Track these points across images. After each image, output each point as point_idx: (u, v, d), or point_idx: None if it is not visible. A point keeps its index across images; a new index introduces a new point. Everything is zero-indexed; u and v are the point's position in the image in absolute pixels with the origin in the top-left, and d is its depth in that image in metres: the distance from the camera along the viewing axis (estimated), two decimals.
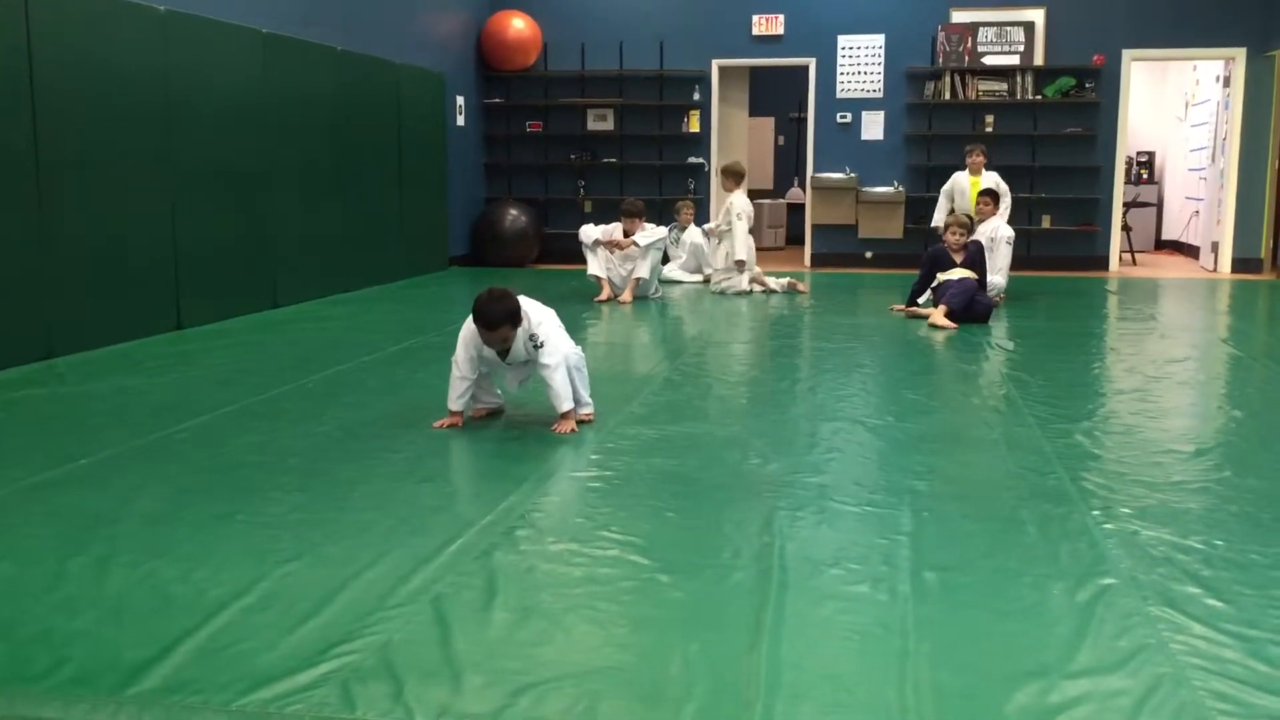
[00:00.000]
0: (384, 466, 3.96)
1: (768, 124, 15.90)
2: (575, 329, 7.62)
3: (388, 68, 10.15)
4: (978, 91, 11.91)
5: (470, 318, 4.34)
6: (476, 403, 4.67)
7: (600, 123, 12.73)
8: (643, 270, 9.04)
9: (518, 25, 12.35)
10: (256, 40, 8.04)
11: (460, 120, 12.16)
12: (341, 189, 9.34)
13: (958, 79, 11.92)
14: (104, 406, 5.02)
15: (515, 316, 4.28)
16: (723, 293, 9.61)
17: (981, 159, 10.07)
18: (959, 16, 11.89)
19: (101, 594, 2.78)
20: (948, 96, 11.95)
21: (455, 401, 4.49)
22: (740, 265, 9.59)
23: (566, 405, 4.41)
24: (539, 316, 4.42)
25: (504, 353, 4.40)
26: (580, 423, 4.56)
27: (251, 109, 7.99)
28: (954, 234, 8.02)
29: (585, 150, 12.78)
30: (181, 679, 2.31)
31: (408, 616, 2.63)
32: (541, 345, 4.36)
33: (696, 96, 12.48)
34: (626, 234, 9.11)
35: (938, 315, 7.60)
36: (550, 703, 2.21)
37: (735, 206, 9.54)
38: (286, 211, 8.47)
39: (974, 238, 8.31)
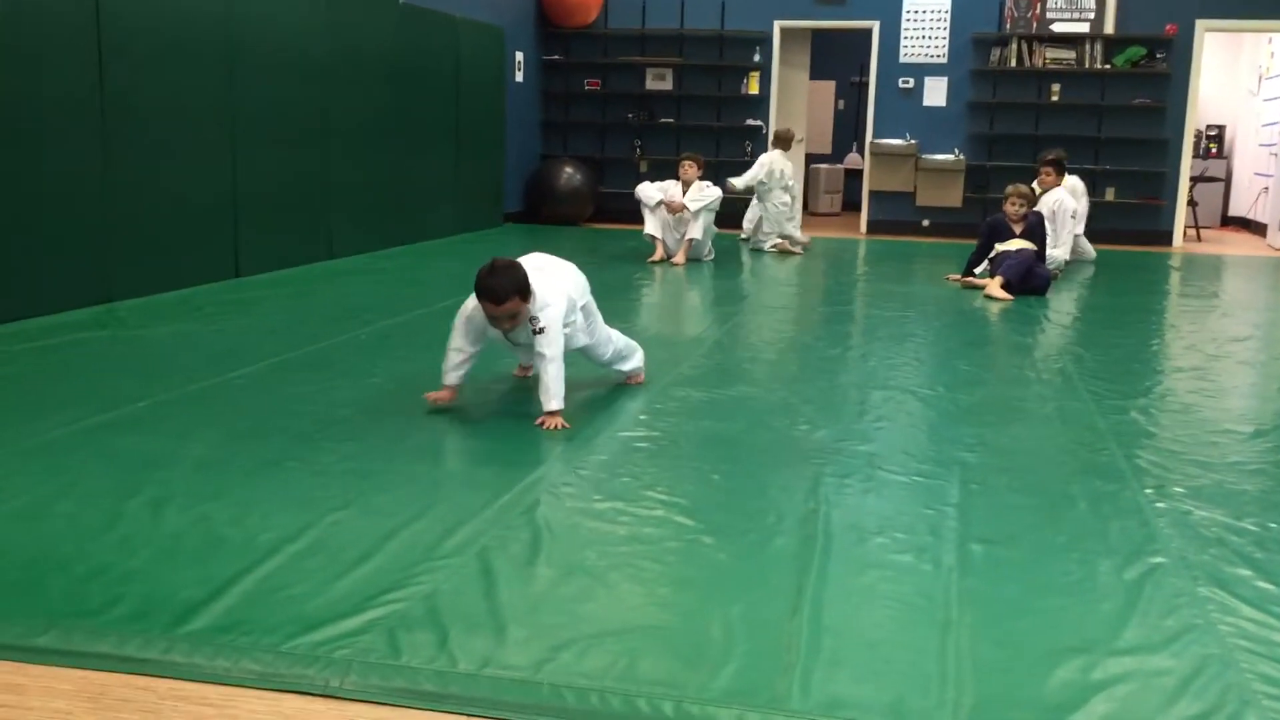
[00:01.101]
0: (433, 420, 4.00)
1: (828, 88, 15.72)
2: (627, 290, 7.63)
3: (448, 22, 10.14)
4: (1045, 59, 11.68)
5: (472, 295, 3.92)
6: (522, 363, 4.54)
7: (659, 82, 12.65)
8: (695, 231, 8.99)
9: None
10: None
11: (519, 76, 12.14)
12: (399, 142, 9.38)
13: (1025, 46, 11.69)
14: (162, 351, 5.11)
15: (524, 289, 3.80)
16: (758, 249, 10.11)
17: (1053, 178, 9.01)
18: None
19: (156, 535, 2.84)
20: (1014, 64, 11.73)
21: (450, 375, 4.08)
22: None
23: (555, 404, 3.90)
24: (547, 298, 3.93)
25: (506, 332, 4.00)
26: (629, 382, 4.56)
27: (312, 59, 8.03)
28: (1013, 204, 7.90)
29: (643, 110, 12.72)
30: (232, 620, 2.36)
31: (453, 568, 2.66)
32: (541, 331, 3.90)
33: (757, 58, 12.35)
34: (684, 182, 9.05)
35: (994, 286, 7.51)
36: (591, 659, 2.23)
37: (762, 158, 10.11)
38: (344, 163, 8.52)
39: (1035, 209, 8.18)
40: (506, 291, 3.77)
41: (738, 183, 10.02)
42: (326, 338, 5.44)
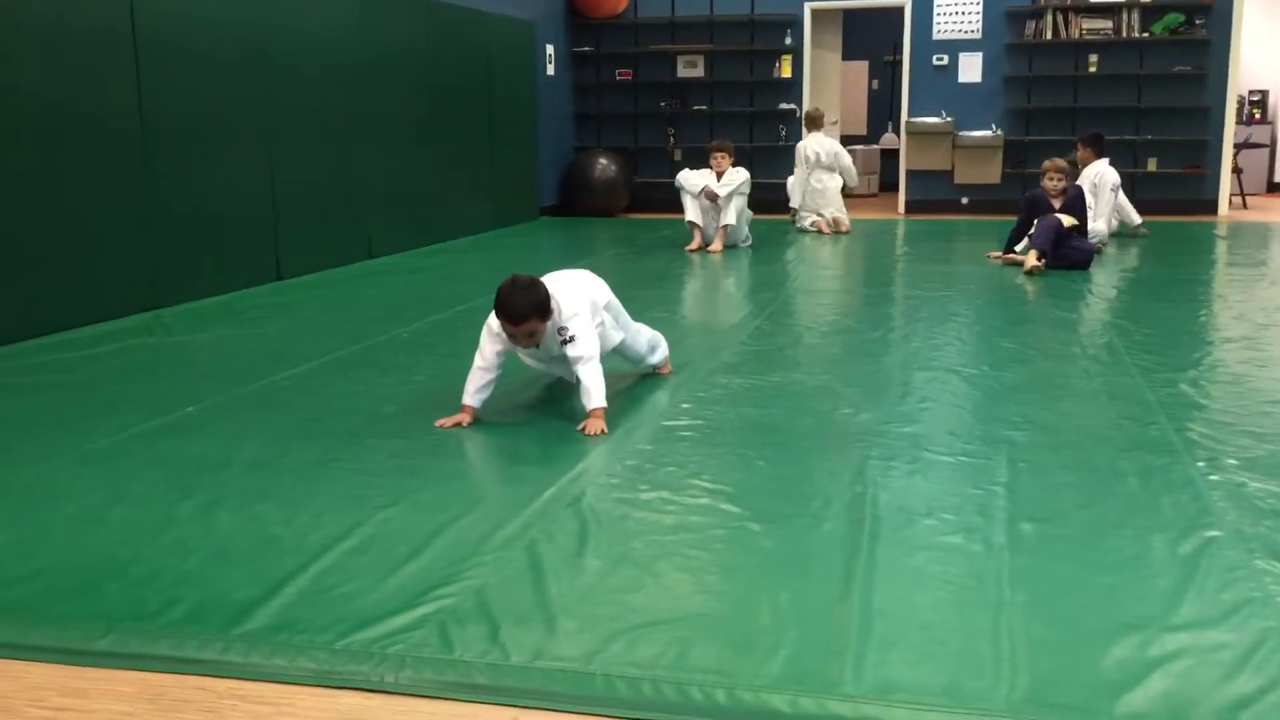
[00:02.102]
0: (478, 414, 4.01)
1: (861, 68, 15.61)
2: (664, 279, 7.62)
3: (479, 18, 10.17)
4: (1081, 30, 11.53)
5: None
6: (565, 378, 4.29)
7: (690, 69, 12.61)
8: (729, 217, 8.95)
9: None
10: None
11: (550, 70, 12.15)
12: (433, 140, 9.42)
13: (1060, 17, 11.54)
14: (208, 355, 5.17)
15: (544, 308, 3.76)
16: (802, 231, 10.28)
17: (1090, 153, 8.93)
18: None
19: (209, 537, 2.88)
20: (1049, 36, 11.58)
21: (470, 395, 3.94)
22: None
23: (596, 403, 3.83)
24: (573, 308, 3.91)
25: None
26: (657, 373, 4.54)
27: (345, 61, 8.08)
28: (1052, 179, 7.80)
29: (675, 97, 12.69)
30: (286, 619, 2.39)
31: (502, 562, 2.68)
32: (572, 339, 3.86)
33: (788, 41, 12.29)
34: (717, 174, 9.03)
35: (1031, 260, 7.43)
36: (642, 648, 2.24)
37: (797, 153, 10.25)
38: (380, 163, 8.58)
39: (1076, 183, 8.08)
40: (525, 311, 3.72)
41: (793, 203, 10.40)
42: (369, 337, 5.48)
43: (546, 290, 3.79)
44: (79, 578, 2.63)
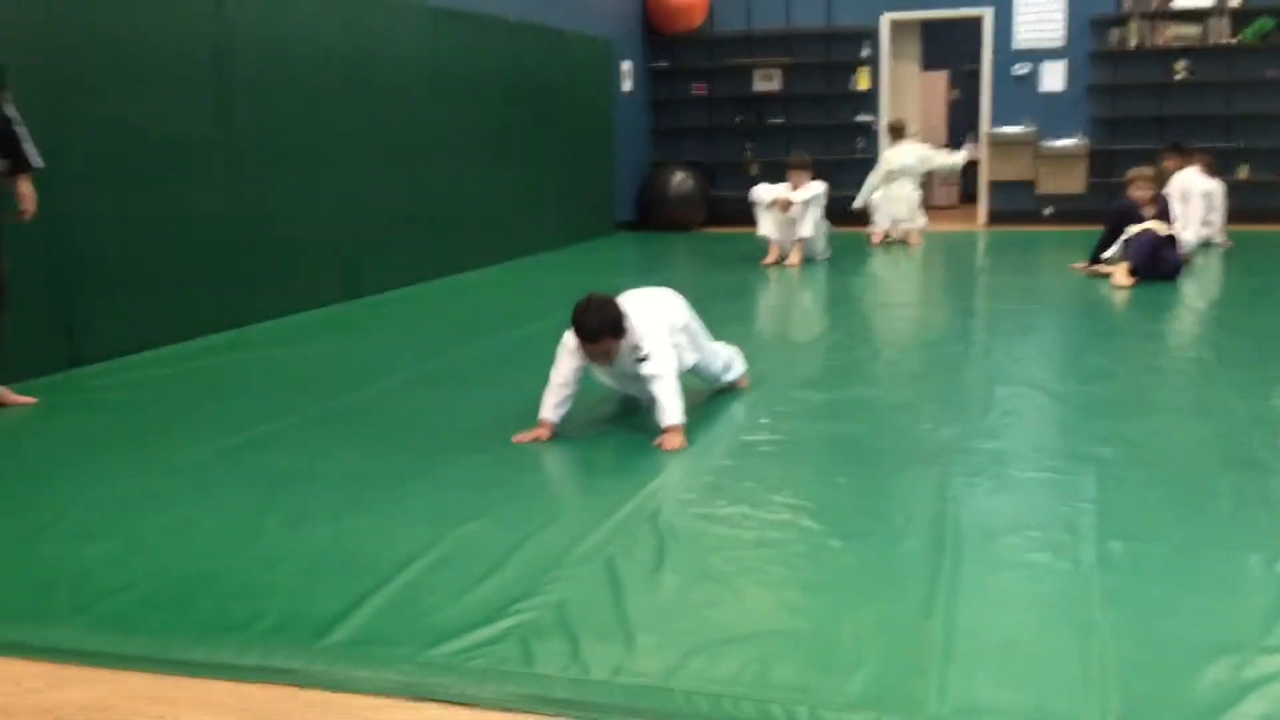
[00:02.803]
0: (556, 429, 4.03)
1: (941, 78, 15.42)
2: (741, 293, 7.60)
3: (556, 36, 10.26)
4: (1167, 37, 11.28)
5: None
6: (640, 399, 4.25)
7: (766, 83, 12.58)
8: (806, 229, 8.87)
9: None
10: (430, 15, 8.24)
11: (627, 86, 12.21)
12: (511, 157, 9.52)
13: (1146, 24, 11.31)
14: (293, 372, 5.27)
15: (618, 327, 3.81)
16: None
17: (1175, 162, 8.61)
18: None
19: (296, 549, 2.93)
20: (1135, 43, 11.35)
21: (548, 410, 3.96)
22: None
23: (672, 419, 3.81)
24: (648, 326, 3.92)
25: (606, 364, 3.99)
26: (734, 388, 4.51)
27: (425, 81, 8.20)
28: (1140, 188, 7.63)
29: (751, 111, 12.67)
30: (371, 631, 2.42)
31: (582, 576, 2.69)
32: (646, 357, 3.87)
33: (866, 53, 12.20)
34: (793, 189, 8.99)
35: (1120, 274, 7.26)
36: (722, 664, 2.23)
37: (882, 158, 10.25)
38: (458, 180, 8.69)
39: (1165, 191, 7.90)
40: (599, 329, 3.78)
41: (856, 202, 10.23)
42: (448, 353, 5.55)
43: (620, 310, 3.83)
44: (171, 589, 2.69)
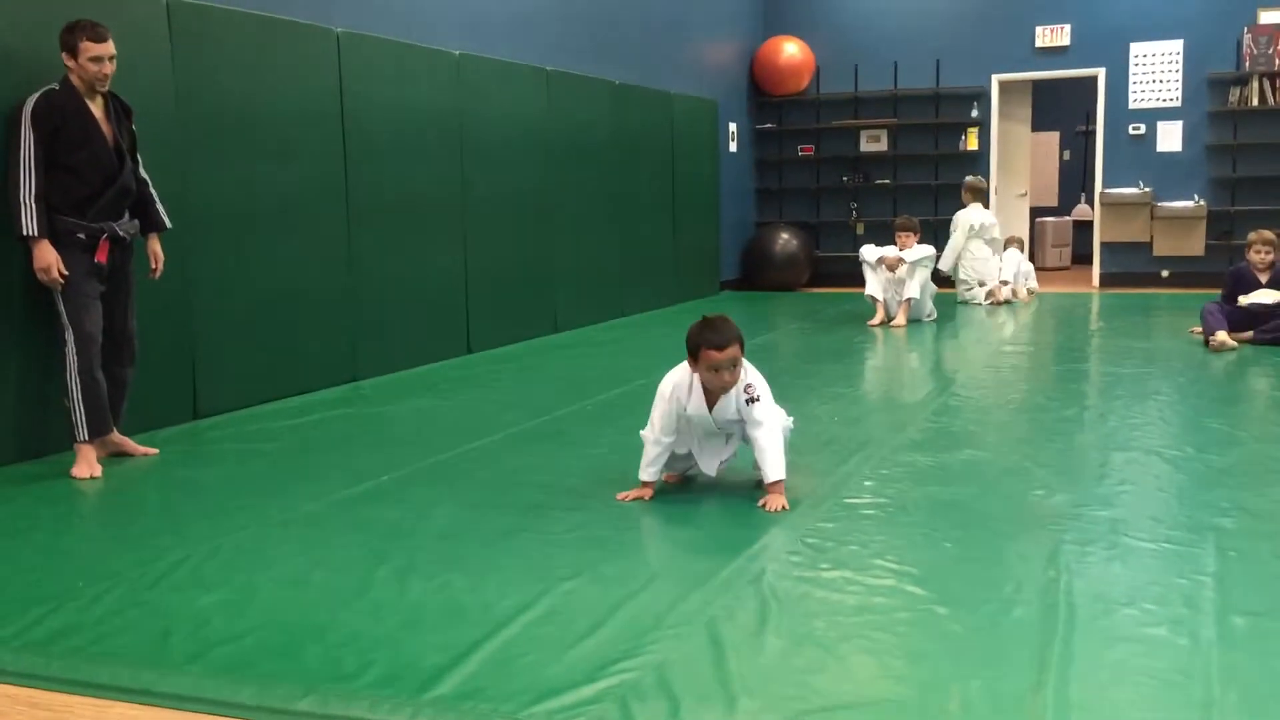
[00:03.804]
0: (657, 489, 4.03)
1: (1052, 138, 15.25)
2: (847, 353, 7.55)
3: (663, 98, 10.42)
4: None
5: (673, 371, 3.87)
6: (669, 469, 4.10)
7: (873, 144, 12.57)
8: (913, 290, 8.83)
9: (790, 50, 12.40)
10: (541, 78, 8.45)
11: (733, 146, 12.31)
12: (618, 216, 9.65)
13: (1267, 83, 11.03)
14: (403, 426, 5.38)
15: (742, 338, 3.77)
16: (965, 303, 10.20)
17: (1268, 255, 7.38)
18: (1267, 17, 11.02)
19: (402, 602, 2.98)
20: (1255, 103, 11.08)
21: (647, 470, 3.92)
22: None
23: (777, 474, 3.76)
24: (754, 375, 3.86)
25: (711, 406, 3.82)
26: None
27: (535, 143, 8.39)
28: (1258, 252, 7.40)
29: (858, 172, 12.65)
30: (474, 686, 2.44)
31: (683, 637, 2.67)
32: (756, 399, 3.79)
33: (975, 113, 12.12)
34: (901, 250, 8.95)
35: (1221, 337, 7.02)
36: None
37: (967, 219, 10.15)
38: (566, 239, 8.83)
39: None
40: (729, 335, 3.70)
41: (944, 266, 10.16)
42: (553, 409, 5.61)
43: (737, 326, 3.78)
44: (281, 638, 2.76)
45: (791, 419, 4.14)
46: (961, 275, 10.28)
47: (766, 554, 3.29)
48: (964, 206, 10.27)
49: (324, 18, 6.45)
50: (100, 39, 4.43)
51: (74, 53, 4.42)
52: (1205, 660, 2.48)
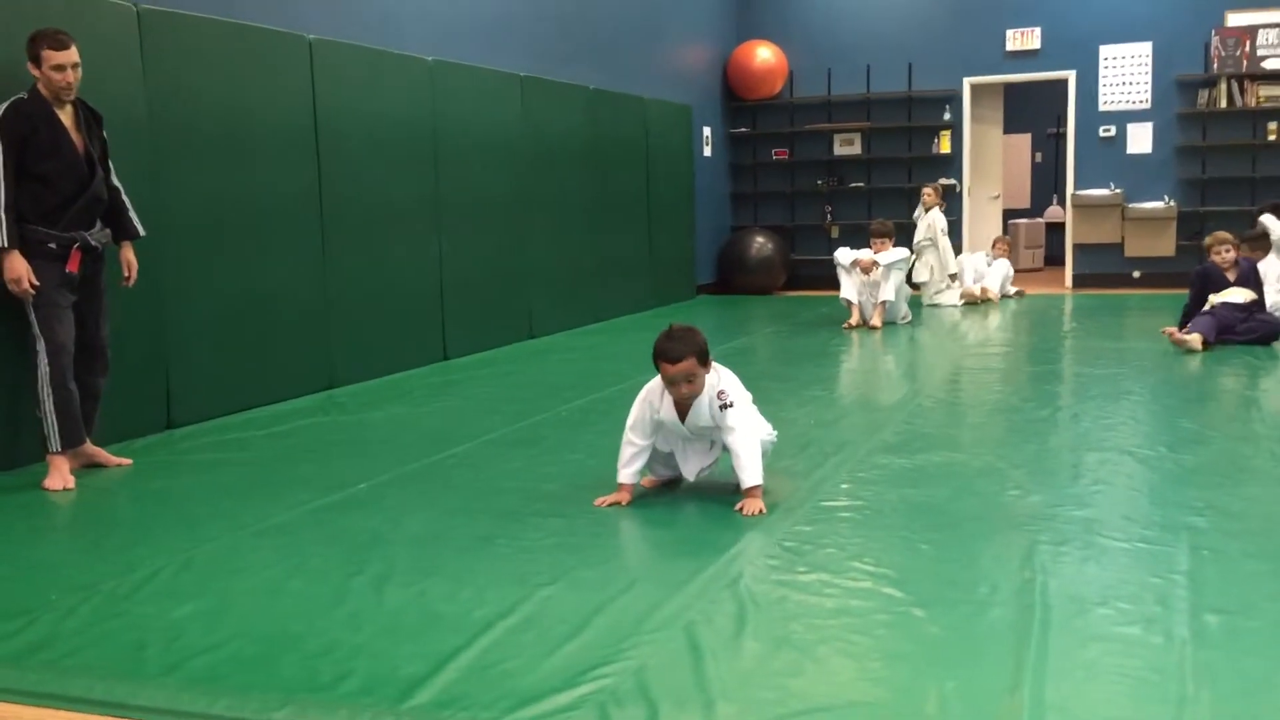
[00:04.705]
0: (635, 494, 4.03)
1: (1024, 141, 15.36)
2: (823, 356, 7.57)
3: (637, 103, 10.43)
4: (1258, 97, 11.11)
5: (654, 379, 3.88)
6: (650, 472, 4.12)
7: (847, 147, 12.63)
8: (888, 292, 8.88)
9: (764, 55, 12.44)
10: (515, 84, 8.44)
11: (707, 151, 12.34)
12: (592, 222, 9.65)
13: (1235, 85, 11.15)
14: (379, 434, 5.36)
15: (702, 353, 3.74)
16: (936, 306, 10.25)
17: (1230, 254, 7.48)
18: (1235, 19, 11.14)
19: (379, 611, 2.97)
20: (1224, 104, 11.20)
21: (625, 472, 3.91)
22: (953, 279, 10.40)
23: (753, 479, 3.76)
24: (733, 380, 3.89)
25: (683, 414, 3.84)
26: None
27: (509, 149, 8.38)
28: (1219, 253, 7.48)
29: (832, 175, 12.71)
30: (452, 694, 2.43)
31: (661, 642, 2.68)
32: (730, 405, 3.79)
33: (947, 116, 12.20)
34: (876, 254, 9.00)
35: (1192, 341, 7.07)
36: None
37: (939, 222, 10.20)
38: (541, 245, 8.82)
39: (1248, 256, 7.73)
40: (682, 351, 3.71)
41: (951, 269, 10.40)
42: (530, 415, 5.60)
43: (704, 337, 3.79)
44: (258, 649, 2.74)
45: (775, 432, 4.14)
46: (926, 277, 10.34)
47: (744, 558, 3.30)
48: (927, 210, 10.31)
49: (296, 25, 6.42)
50: (62, 47, 4.40)
51: (38, 62, 4.39)
52: (1179, 658, 2.50)
